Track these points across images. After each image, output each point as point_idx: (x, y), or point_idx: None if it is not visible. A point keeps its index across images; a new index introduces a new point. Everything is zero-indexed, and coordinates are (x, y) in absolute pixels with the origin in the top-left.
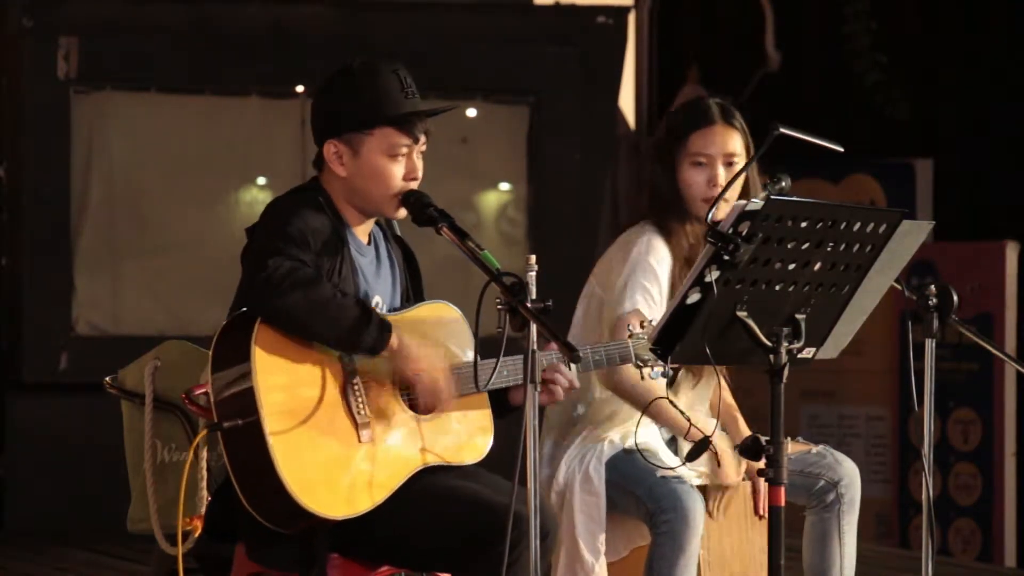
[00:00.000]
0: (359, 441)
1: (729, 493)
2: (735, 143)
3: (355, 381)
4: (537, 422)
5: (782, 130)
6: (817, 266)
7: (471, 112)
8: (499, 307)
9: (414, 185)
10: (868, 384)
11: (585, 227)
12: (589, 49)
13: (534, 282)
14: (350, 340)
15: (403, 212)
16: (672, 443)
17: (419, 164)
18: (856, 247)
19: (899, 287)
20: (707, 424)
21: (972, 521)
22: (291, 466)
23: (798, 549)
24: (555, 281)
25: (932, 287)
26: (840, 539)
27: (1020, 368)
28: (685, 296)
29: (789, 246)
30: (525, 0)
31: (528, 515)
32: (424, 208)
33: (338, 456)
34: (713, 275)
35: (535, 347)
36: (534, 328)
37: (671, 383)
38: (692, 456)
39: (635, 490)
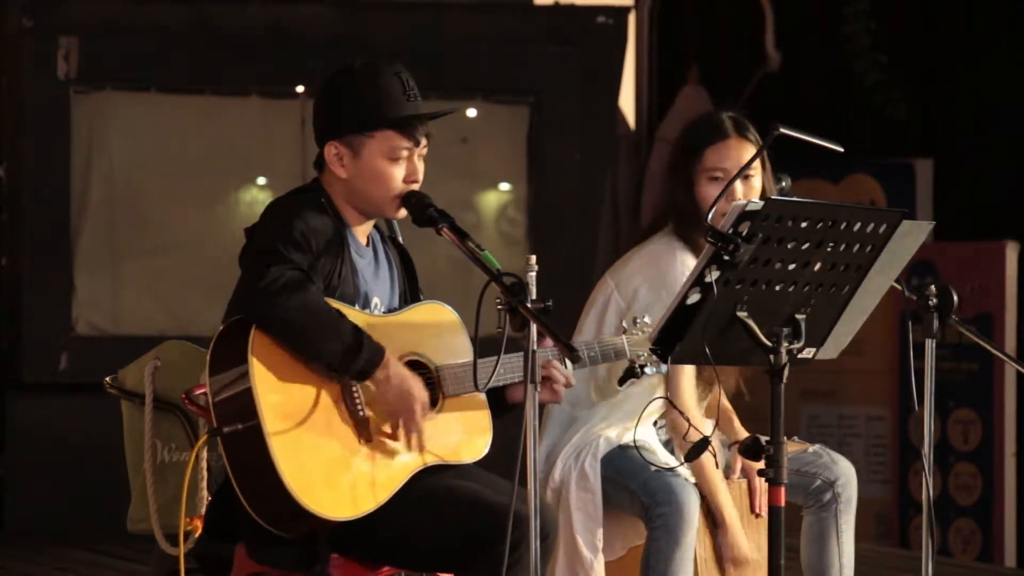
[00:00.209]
0: (359, 442)
1: (747, 567)
2: (750, 156)
3: (354, 382)
4: (537, 422)
5: (782, 130)
6: (817, 266)
7: (471, 112)
8: (499, 307)
9: (414, 187)
10: (868, 384)
11: (585, 227)
12: (589, 49)
13: (534, 282)
14: (342, 359)
15: (403, 213)
16: (669, 444)
17: (420, 166)
18: (856, 247)
19: (899, 287)
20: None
21: (972, 521)
22: (292, 468)
23: (796, 549)
24: (555, 281)
25: (932, 287)
26: (838, 538)
27: (1020, 368)
28: (685, 296)
29: (789, 246)
30: (525, 0)
31: (528, 515)
32: (424, 209)
33: (339, 457)
34: (713, 275)
35: (535, 347)
36: (534, 328)
37: None
38: (691, 456)
39: (630, 484)
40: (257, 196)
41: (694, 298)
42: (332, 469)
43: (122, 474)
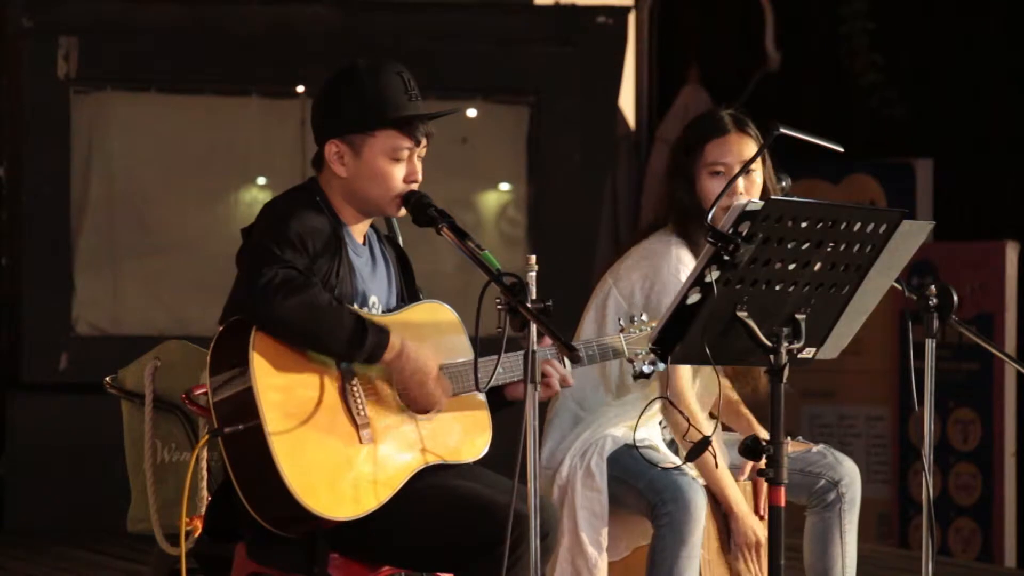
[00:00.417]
0: (360, 442)
1: (764, 549)
2: (751, 151)
3: (353, 382)
4: (537, 422)
5: (782, 130)
6: (817, 266)
7: (471, 112)
8: (499, 307)
9: (414, 187)
10: (868, 384)
11: (585, 227)
12: (589, 49)
13: (534, 282)
14: (348, 348)
15: (403, 212)
16: (673, 444)
17: (419, 166)
18: (856, 247)
19: (899, 287)
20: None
21: (972, 521)
22: (293, 469)
23: (799, 549)
24: (555, 281)
25: (932, 287)
26: (841, 539)
27: (1020, 368)
28: (685, 296)
29: (789, 246)
30: (525, 0)
31: (528, 515)
32: (425, 208)
33: (340, 457)
34: (713, 275)
35: (535, 347)
36: (534, 328)
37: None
38: (692, 456)
39: (636, 484)
40: (257, 196)
41: (694, 298)
42: (333, 469)
43: (122, 474)
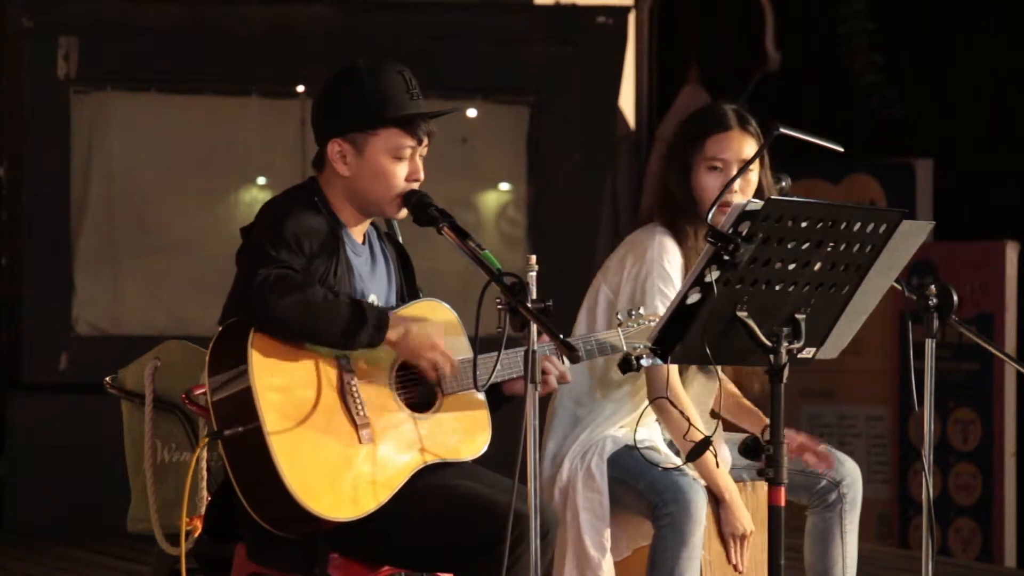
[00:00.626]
0: (359, 442)
1: (749, 539)
2: (750, 149)
3: (352, 383)
4: (537, 421)
5: (782, 130)
6: (817, 266)
7: (471, 112)
8: (499, 307)
9: (415, 186)
10: (868, 384)
11: (585, 227)
12: (589, 49)
13: (534, 282)
14: (347, 336)
15: (404, 212)
16: (673, 444)
17: (421, 165)
18: (856, 247)
19: (899, 287)
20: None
21: (972, 521)
22: (293, 469)
23: (799, 549)
24: (555, 281)
25: (932, 287)
26: (842, 539)
27: (1020, 368)
28: (685, 296)
29: (789, 246)
30: (525, 0)
31: (528, 515)
32: (425, 208)
33: (339, 458)
34: (713, 275)
35: (535, 347)
36: (534, 328)
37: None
38: (692, 456)
39: (637, 484)
40: (257, 196)
41: (694, 298)
42: (333, 470)
43: (122, 474)
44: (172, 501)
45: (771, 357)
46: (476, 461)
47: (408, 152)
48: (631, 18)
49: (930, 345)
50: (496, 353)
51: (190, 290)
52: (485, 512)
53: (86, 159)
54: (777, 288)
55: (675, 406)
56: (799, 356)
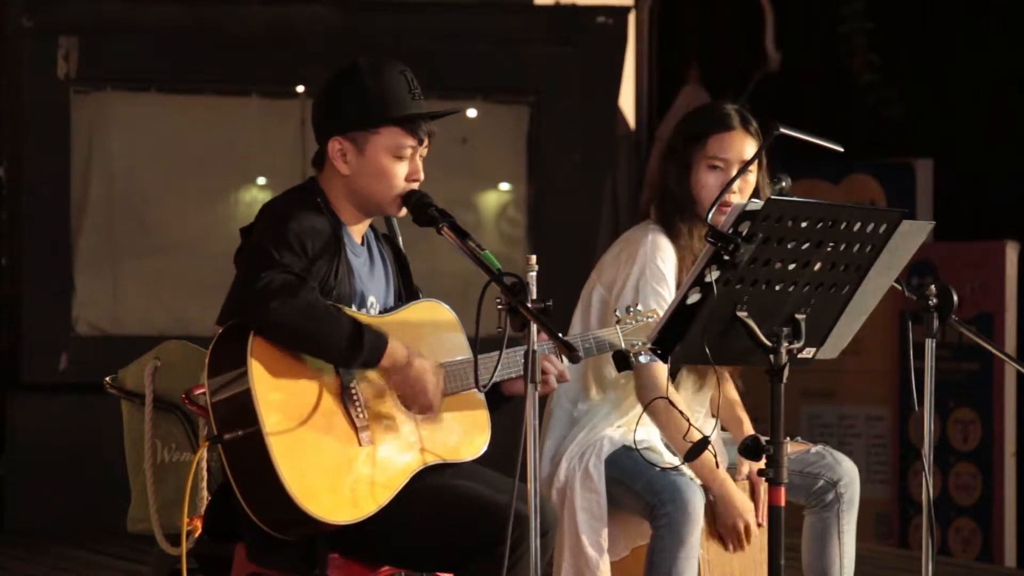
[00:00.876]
0: (359, 444)
1: (752, 531)
2: (751, 150)
3: (352, 385)
4: (537, 421)
5: (782, 130)
6: (817, 266)
7: (471, 112)
8: (499, 307)
9: (416, 186)
10: (868, 384)
11: (585, 227)
12: (589, 49)
13: (534, 282)
14: (345, 354)
15: (404, 212)
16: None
17: (421, 165)
18: (856, 247)
19: (899, 287)
20: (707, 424)
21: (972, 521)
22: (293, 473)
23: (797, 549)
24: (555, 281)
25: (932, 287)
26: (840, 539)
27: (1020, 368)
28: (685, 296)
29: (789, 246)
30: (525, 0)
31: (528, 515)
32: (425, 208)
33: (339, 460)
34: (713, 275)
35: (535, 347)
36: (534, 328)
37: (672, 379)
38: (691, 456)
39: (634, 485)
40: (257, 196)
41: (694, 298)
42: (333, 472)
43: (122, 474)
44: (172, 501)
45: (771, 357)
46: (476, 461)
47: (408, 152)
48: (631, 18)
49: (930, 345)
50: (496, 353)
51: (190, 290)
52: (485, 512)
53: (86, 159)
54: (777, 288)
55: (674, 406)
56: (799, 356)
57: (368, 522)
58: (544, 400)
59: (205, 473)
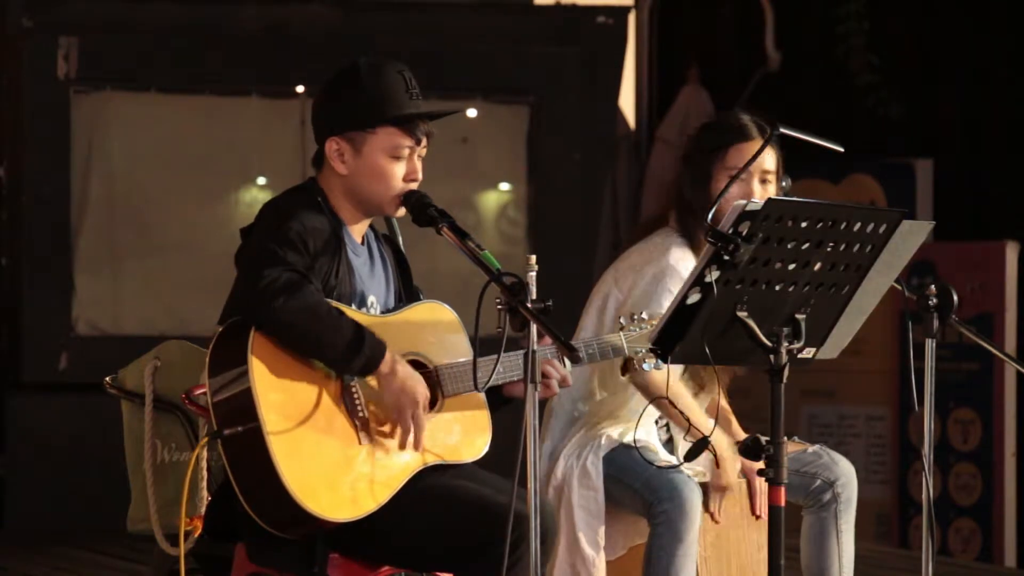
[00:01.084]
0: (359, 443)
1: (729, 494)
2: (771, 160)
3: (352, 384)
4: (537, 422)
5: (782, 130)
6: (817, 266)
7: (471, 112)
8: (499, 307)
9: (414, 186)
10: (868, 384)
11: (585, 227)
12: (589, 49)
13: (534, 282)
14: (344, 356)
15: (403, 211)
16: (669, 444)
17: (419, 166)
18: (856, 247)
19: (899, 287)
20: (706, 424)
21: (972, 521)
22: (293, 470)
23: (796, 549)
24: (555, 281)
25: (932, 287)
26: (838, 539)
27: (1020, 368)
28: (685, 296)
29: (789, 246)
30: (525, 0)
31: (528, 515)
32: (425, 208)
33: (339, 458)
34: (713, 275)
35: (535, 347)
36: (534, 328)
37: None
38: (691, 456)
39: (632, 483)
40: (257, 196)
41: (694, 298)
42: (333, 470)
43: (122, 474)
44: (172, 501)
45: (771, 357)
46: (476, 462)
47: (406, 152)
48: (631, 18)
49: (930, 345)
50: (496, 355)
51: (190, 290)
52: (485, 513)
53: (86, 159)
54: (777, 288)
55: (674, 406)
56: (799, 356)
57: (368, 521)
58: (544, 401)
59: (205, 473)
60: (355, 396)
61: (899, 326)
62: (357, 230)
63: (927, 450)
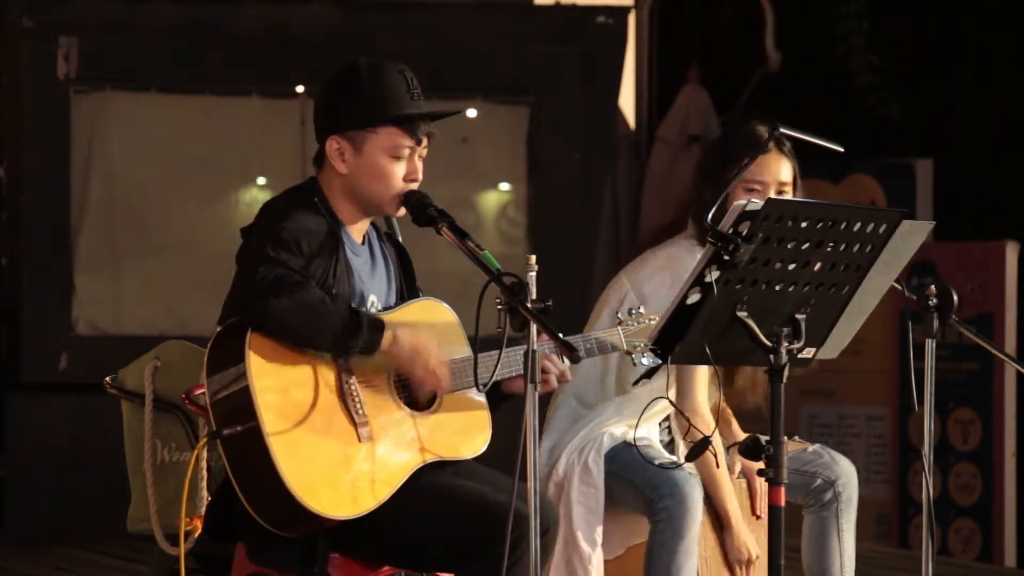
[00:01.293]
0: (358, 440)
1: (755, 564)
2: (787, 171)
3: (351, 381)
4: (537, 421)
5: (782, 130)
6: (817, 266)
7: (471, 112)
8: (499, 307)
9: (414, 187)
10: (868, 384)
11: (585, 227)
12: (589, 49)
13: (534, 282)
14: (342, 343)
15: (403, 211)
16: (670, 445)
17: (419, 166)
18: (856, 247)
19: (899, 287)
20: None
21: (972, 521)
22: (293, 468)
23: (797, 548)
24: (555, 281)
25: (932, 287)
26: (839, 538)
27: (1020, 368)
28: (685, 296)
29: (789, 246)
30: (525, 0)
31: (528, 515)
32: (424, 208)
33: (339, 456)
34: (713, 275)
35: (535, 347)
36: (534, 328)
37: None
38: (691, 456)
39: (634, 479)
40: (257, 196)
41: (694, 298)
42: (332, 468)
43: (122, 474)
44: (172, 501)
45: (771, 357)
46: (476, 460)
47: (407, 152)
48: (631, 18)
49: (930, 345)
50: (496, 352)
51: (190, 290)
52: (485, 512)
53: (86, 159)
54: (777, 288)
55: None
56: (799, 356)
57: (368, 520)
58: (545, 399)
59: (205, 473)
60: (354, 394)
61: (899, 326)
62: (357, 229)
63: (927, 450)
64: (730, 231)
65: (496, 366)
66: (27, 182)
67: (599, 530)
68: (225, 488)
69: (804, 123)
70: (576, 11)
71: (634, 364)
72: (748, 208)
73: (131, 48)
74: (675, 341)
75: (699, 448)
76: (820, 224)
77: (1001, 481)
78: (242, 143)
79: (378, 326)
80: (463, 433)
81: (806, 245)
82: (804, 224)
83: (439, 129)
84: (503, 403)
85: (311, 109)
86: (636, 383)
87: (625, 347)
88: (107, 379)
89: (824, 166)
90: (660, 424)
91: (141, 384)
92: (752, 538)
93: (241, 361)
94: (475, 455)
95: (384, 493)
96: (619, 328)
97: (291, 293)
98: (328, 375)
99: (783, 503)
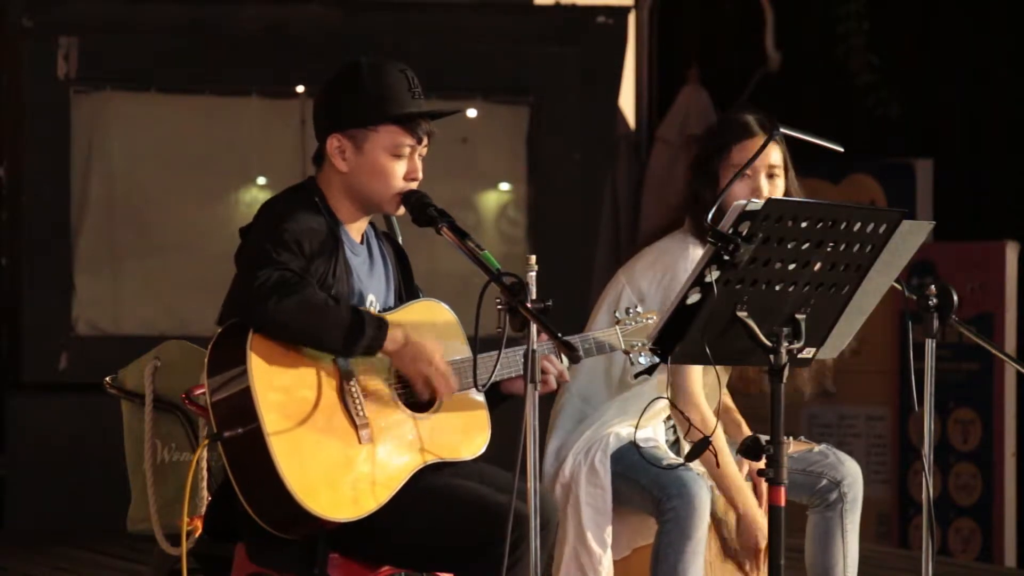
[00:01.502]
0: (359, 442)
1: (765, 554)
2: (776, 155)
3: (351, 382)
4: (537, 421)
5: (782, 130)
6: (817, 266)
7: (471, 112)
8: (499, 307)
9: (414, 186)
10: (868, 384)
11: (585, 227)
12: (589, 49)
13: (534, 282)
14: (345, 343)
15: (402, 210)
16: (675, 445)
17: (419, 165)
18: (856, 247)
19: (899, 287)
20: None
21: (972, 521)
22: (293, 470)
23: (800, 548)
24: (555, 281)
25: (932, 287)
26: (843, 538)
27: (1020, 368)
28: (685, 296)
29: (789, 246)
30: (525, 0)
31: (528, 515)
32: (424, 208)
33: (339, 458)
34: (713, 275)
35: (535, 347)
36: (534, 328)
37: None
38: (692, 456)
39: (640, 480)
40: (257, 196)
41: (694, 298)
42: (333, 470)
43: (122, 474)
44: (172, 501)
45: (771, 357)
46: (476, 461)
47: (407, 151)
48: (631, 18)
49: (930, 345)
50: (496, 352)
51: (190, 290)
52: (485, 512)
53: (86, 159)
54: (777, 288)
55: (677, 408)
56: (799, 356)
57: (368, 521)
58: (546, 399)
59: (205, 473)
60: (354, 395)
61: (899, 326)
62: (355, 229)
63: (927, 450)
64: (730, 231)
65: (495, 366)
66: (27, 182)
67: (608, 530)
68: (225, 488)
69: (804, 123)
70: (576, 11)
71: (631, 364)
72: (748, 208)
73: (131, 48)
74: (675, 341)
75: (699, 448)
76: (820, 224)
77: (1001, 481)
78: (242, 143)
79: (382, 326)
80: (463, 434)
81: (806, 245)
82: (804, 224)
83: (439, 129)
84: (501, 403)
85: (311, 109)
86: (637, 376)
87: (623, 346)
88: (107, 379)
89: (824, 166)
90: (665, 423)
91: (141, 384)
92: (764, 529)
93: (242, 362)
94: (475, 456)
95: (384, 495)
96: (617, 328)
97: (294, 294)
98: (329, 376)
99: (783, 503)
